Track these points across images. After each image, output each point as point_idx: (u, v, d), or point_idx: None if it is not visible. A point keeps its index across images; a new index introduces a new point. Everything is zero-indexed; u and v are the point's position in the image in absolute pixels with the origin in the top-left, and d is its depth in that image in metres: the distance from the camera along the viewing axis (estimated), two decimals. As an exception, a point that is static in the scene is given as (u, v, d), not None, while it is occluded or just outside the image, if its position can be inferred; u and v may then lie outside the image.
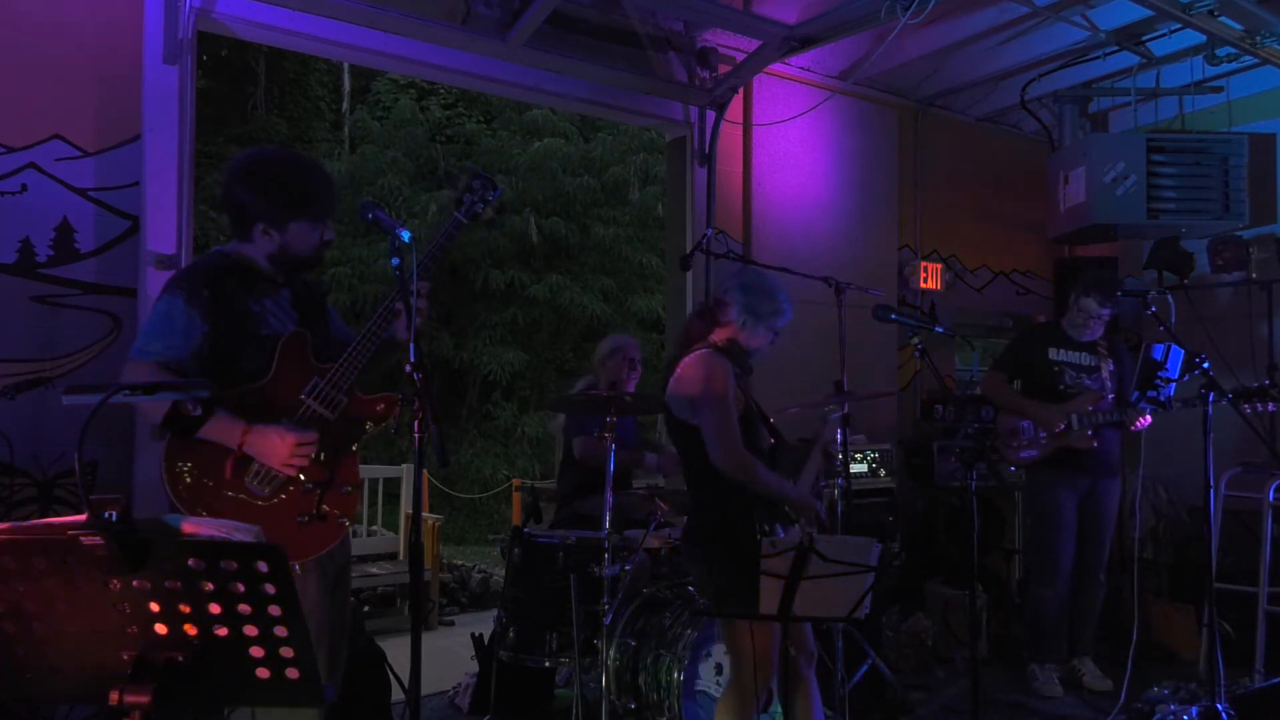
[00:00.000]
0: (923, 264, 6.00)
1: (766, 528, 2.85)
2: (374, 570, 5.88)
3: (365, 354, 2.41)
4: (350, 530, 2.54)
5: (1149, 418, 4.26)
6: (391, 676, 3.43)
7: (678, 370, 2.92)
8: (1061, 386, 4.44)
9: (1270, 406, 3.65)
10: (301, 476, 2.31)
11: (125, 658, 1.37)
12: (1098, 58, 5.42)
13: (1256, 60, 4.89)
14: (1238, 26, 4.59)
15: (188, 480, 2.25)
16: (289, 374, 2.37)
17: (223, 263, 2.43)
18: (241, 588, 1.31)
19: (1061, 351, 4.50)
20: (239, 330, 2.35)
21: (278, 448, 2.26)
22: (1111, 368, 4.51)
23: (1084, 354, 4.50)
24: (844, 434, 3.53)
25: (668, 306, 5.53)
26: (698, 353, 2.90)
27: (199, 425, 2.22)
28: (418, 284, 2.45)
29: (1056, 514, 4.43)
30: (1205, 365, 3.42)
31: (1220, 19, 4.49)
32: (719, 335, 2.96)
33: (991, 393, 4.70)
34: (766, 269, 3.51)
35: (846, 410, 3.47)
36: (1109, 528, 4.57)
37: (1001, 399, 4.63)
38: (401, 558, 6.12)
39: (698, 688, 3.31)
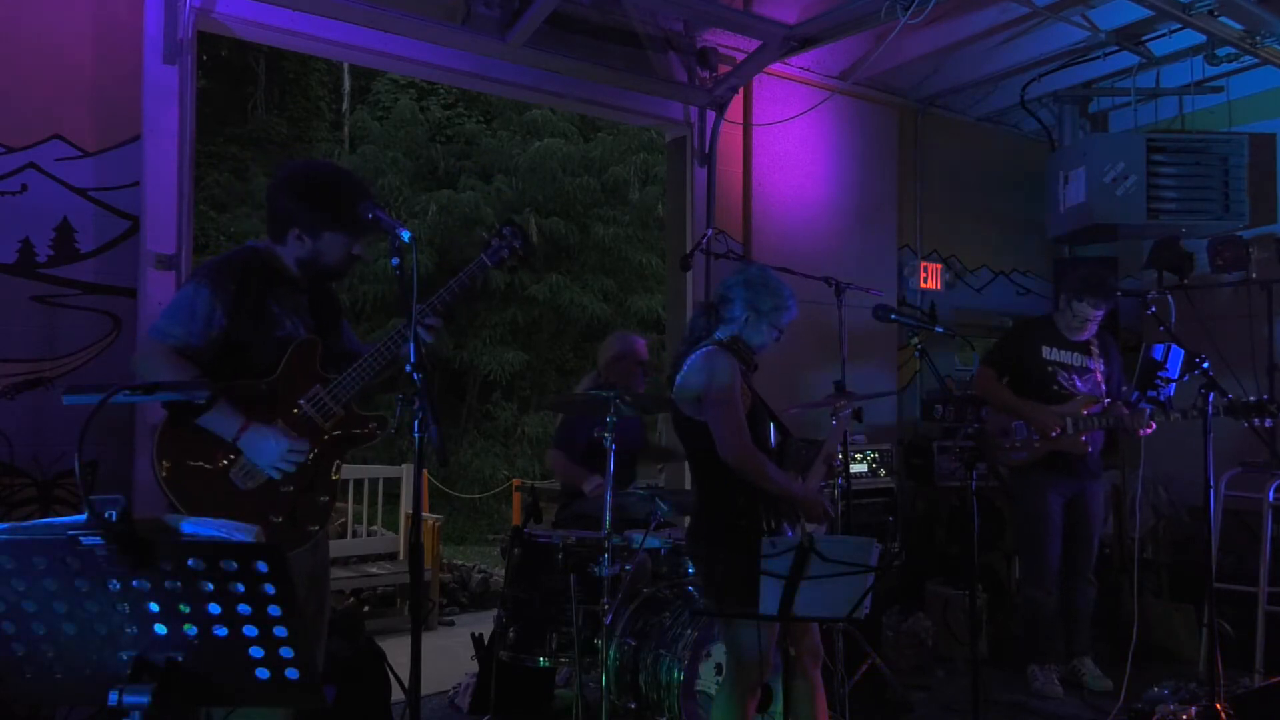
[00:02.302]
0: (923, 264, 6.00)
1: (774, 525, 2.85)
2: (374, 570, 5.88)
3: (370, 372, 2.49)
4: (327, 536, 2.60)
5: (1154, 424, 4.24)
6: (391, 676, 3.44)
7: (684, 368, 2.93)
8: (1055, 388, 4.42)
9: (1268, 422, 3.62)
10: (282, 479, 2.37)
11: (125, 658, 1.37)
12: (1098, 58, 5.42)
13: (1256, 60, 4.89)
14: (1238, 26, 4.59)
15: (175, 462, 2.31)
16: (294, 377, 2.44)
17: (252, 259, 2.49)
18: (241, 588, 1.31)
19: (1055, 350, 4.48)
20: (255, 327, 2.42)
21: (270, 449, 2.32)
22: (1103, 368, 4.50)
23: (1076, 354, 4.48)
24: (846, 433, 3.53)
25: (668, 306, 5.52)
26: (703, 350, 2.91)
27: (201, 411, 2.27)
28: (430, 320, 2.54)
29: (1045, 516, 4.42)
30: (1205, 365, 3.42)
31: (1220, 19, 4.49)
32: (723, 332, 2.97)
33: (984, 390, 4.63)
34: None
35: (857, 407, 3.47)
36: (1098, 528, 4.57)
37: (995, 397, 4.57)
38: (401, 558, 6.12)
39: (698, 688, 3.31)
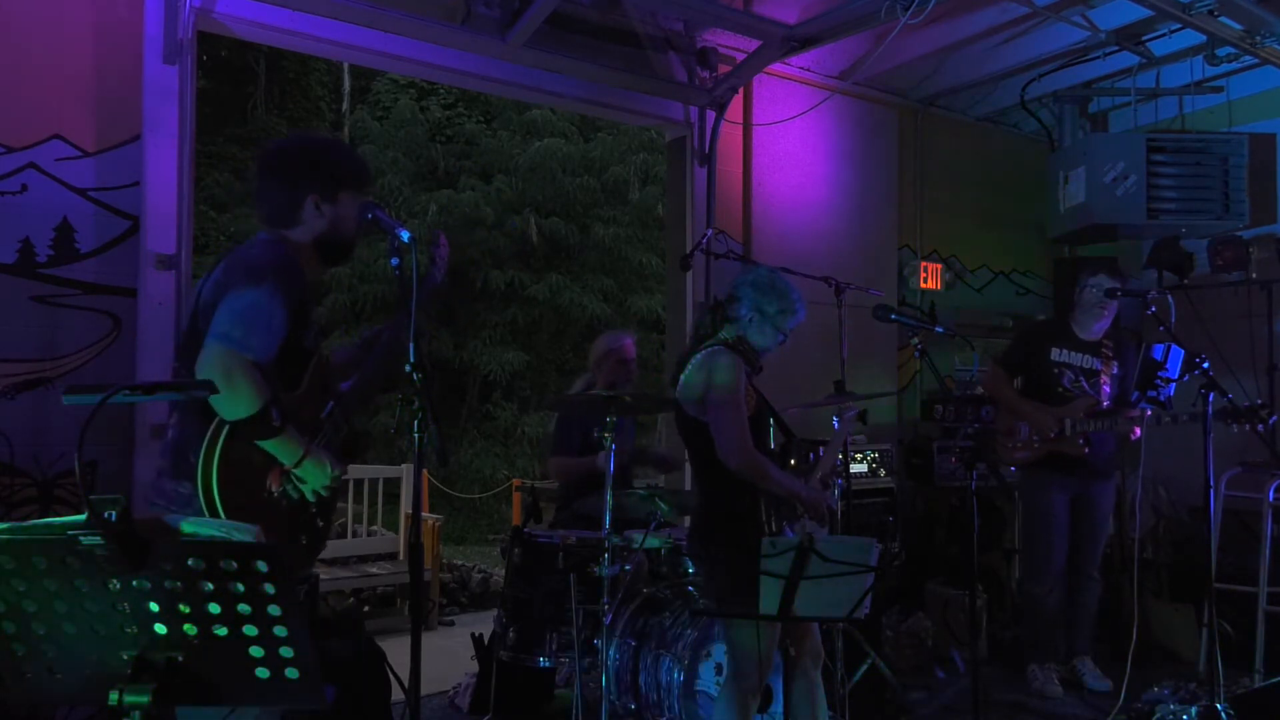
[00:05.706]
0: (923, 264, 6.00)
1: (775, 526, 2.85)
2: (374, 570, 5.88)
3: (377, 383, 2.51)
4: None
5: (1139, 430, 4.26)
6: (391, 676, 3.43)
7: (688, 367, 2.92)
8: (1060, 389, 4.43)
9: (1259, 427, 3.61)
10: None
11: (125, 658, 1.37)
12: (1098, 58, 5.42)
13: (1256, 60, 4.89)
14: (1238, 26, 4.59)
15: (230, 478, 2.16)
16: (313, 392, 2.36)
17: (296, 255, 2.34)
18: (241, 588, 1.31)
19: (1064, 352, 4.49)
20: (297, 335, 2.28)
21: (324, 476, 2.30)
22: (1116, 371, 4.50)
23: (1087, 355, 4.48)
24: (847, 436, 3.52)
25: (668, 306, 5.52)
26: (708, 350, 2.90)
27: (268, 435, 2.16)
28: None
29: (1048, 514, 4.44)
30: (1205, 365, 3.42)
31: (1220, 19, 4.49)
32: (729, 332, 2.96)
33: (991, 389, 4.69)
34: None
35: (862, 410, 3.47)
36: (1103, 528, 4.57)
37: (1000, 397, 4.61)
38: (401, 558, 6.11)
39: (698, 688, 3.30)
